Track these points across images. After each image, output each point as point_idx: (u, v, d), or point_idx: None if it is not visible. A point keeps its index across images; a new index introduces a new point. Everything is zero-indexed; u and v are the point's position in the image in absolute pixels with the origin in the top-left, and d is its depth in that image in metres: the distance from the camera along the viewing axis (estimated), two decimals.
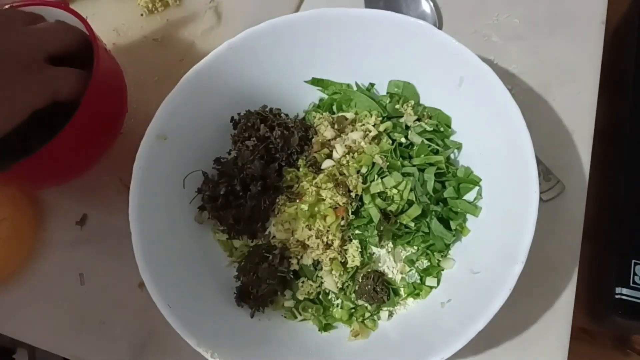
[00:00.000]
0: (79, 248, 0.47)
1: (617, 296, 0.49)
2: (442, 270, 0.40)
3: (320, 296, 0.40)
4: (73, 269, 0.47)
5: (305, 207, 0.38)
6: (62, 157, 0.40)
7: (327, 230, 0.38)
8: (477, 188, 0.40)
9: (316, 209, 0.38)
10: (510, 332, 0.41)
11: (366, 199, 0.38)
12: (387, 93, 0.44)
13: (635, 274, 0.49)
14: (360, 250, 0.39)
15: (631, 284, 0.49)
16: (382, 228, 0.38)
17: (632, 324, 0.50)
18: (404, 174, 0.39)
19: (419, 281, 0.39)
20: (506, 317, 0.40)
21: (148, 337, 0.44)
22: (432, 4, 0.49)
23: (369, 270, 0.40)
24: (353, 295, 0.40)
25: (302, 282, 0.40)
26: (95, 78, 0.38)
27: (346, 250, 0.39)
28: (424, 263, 0.40)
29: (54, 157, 0.39)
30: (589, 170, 0.45)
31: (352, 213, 0.39)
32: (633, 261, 0.49)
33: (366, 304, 0.39)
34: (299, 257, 0.40)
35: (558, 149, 0.45)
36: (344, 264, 0.39)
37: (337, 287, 0.39)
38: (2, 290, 0.47)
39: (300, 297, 0.40)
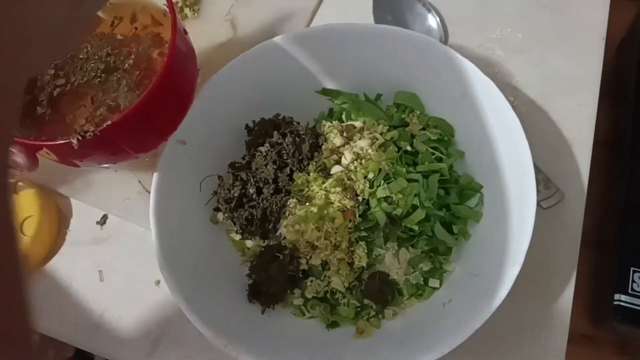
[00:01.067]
0: (99, 246, 0.50)
1: (615, 302, 0.50)
2: (445, 272, 0.41)
3: (328, 295, 0.42)
4: (93, 265, 0.49)
5: (314, 209, 0.41)
6: (149, 119, 0.38)
7: (335, 232, 0.40)
8: (478, 194, 0.42)
9: (325, 211, 0.41)
10: (509, 335, 0.43)
11: (372, 203, 0.40)
12: (394, 103, 0.46)
13: (633, 280, 0.50)
14: (366, 251, 0.41)
15: (630, 291, 0.50)
16: (387, 231, 0.40)
17: (631, 331, 0.51)
18: (409, 180, 0.41)
19: (422, 282, 0.41)
20: (505, 320, 0.42)
21: (163, 332, 0.46)
22: (438, 19, 0.51)
23: (375, 271, 0.42)
24: (359, 294, 0.42)
25: (311, 281, 0.42)
26: (173, 36, 0.37)
27: (353, 251, 0.41)
28: (427, 265, 0.42)
29: (141, 119, 0.36)
30: (588, 179, 0.47)
31: (359, 216, 0.41)
32: (632, 268, 0.50)
33: (371, 304, 0.41)
34: (308, 258, 0.42)
35: (558, 159, 0.47)
36: (350, 264, 0.41)
37: (344, 287, 0.41)
38: None
39: (309, 296, 0.42)
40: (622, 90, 0.62)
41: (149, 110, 0.37)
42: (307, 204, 0.42)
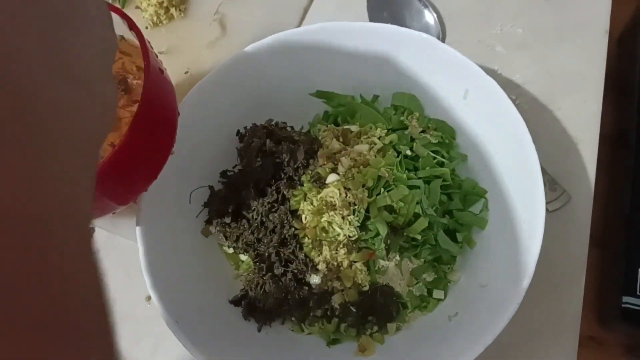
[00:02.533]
0: None
1: (623, 305, 0.49)
2: (449, 282, 0.40)
3: (329, 312, 0.40)
4: None
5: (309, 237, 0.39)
6: (123, 172, 0.34)
7: (336, 253, 0.39)
8: (483, 200, 0.40)
9: (321, 238, 0.39)
10: (518, 341, 0.41)
11: (372, 212, 0.38)
12: (392, 105, 0.44)
13: None
14: (368, 271, 0.39)
15: (638, 293, 0.49)
16: (389, 241, 0.38)
17: (639, 332, 0.50)
18: (410, 187, 0.39)
19: (426, 294, 0.39)
20: (514, 326, 0.39)
21: (156, 350, 0.44)
22: (435, 15, 0.49)
23: (377, 284, 0.40)
24: (361, 310, 0.39)
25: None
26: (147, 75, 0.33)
27: (355, 268, 0.39)
28: (430, 275, 0.40)
29: (116, 172, 0.33)
30: (595, 179, 0.45)
31: (359, 226, 0.39)
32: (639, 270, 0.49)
33: (374, 319, 0.39)
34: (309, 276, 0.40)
35: (564, 159, 0.45)
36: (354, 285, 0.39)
37: (345, 302, 0.39)
38: None
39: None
40: (624, 86, 0.61)
41: (116, 169, 0.32)
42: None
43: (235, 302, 0.40)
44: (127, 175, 0.35)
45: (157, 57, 0.37)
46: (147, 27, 0.54)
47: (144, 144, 0.34)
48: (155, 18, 0.54)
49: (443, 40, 0.49)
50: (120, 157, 0.32)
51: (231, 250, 0.42)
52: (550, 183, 0.44)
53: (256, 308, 0.39)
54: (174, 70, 0.52)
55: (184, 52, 0.53)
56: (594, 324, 0.55)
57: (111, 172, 0.32)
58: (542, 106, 0.47)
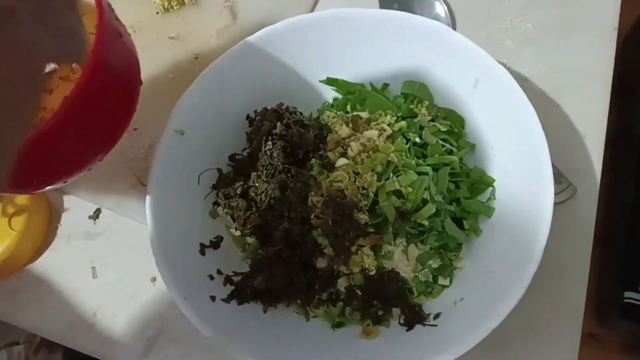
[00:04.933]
0: (92, 241, 0.48)
1: (625, 300, 0.49)
2: (455, 269, 0.40)
3: (334, 296, 0.40)
4: (86, 262, 0.47)
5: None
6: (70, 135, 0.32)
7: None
8: (490, 189, 0.40)
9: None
10: (519, 335, 0.41)
11: (381, 197, 0.39)
12: (402, 93, 0.44)
13: None
14: (374, 257, 0.40)
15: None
16: (397, 226, 0.38)
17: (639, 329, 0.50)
18: (418, 173, 0.39)
19: (431, 280, 0.40)
20: (515, 320, 0.40)
21: (160, 330, 0.44)
22: (446, 7, 0.49)
23: (384, 269, 0.40)
24: (366, 295, 0.40)
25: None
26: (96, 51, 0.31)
27: (361, 252, 0.39)
28: (436, 262, 0.40)
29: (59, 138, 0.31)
30: (600, 174, 0.46)
31: (367, 211, 0.39)
32: None
33: (379, 303, 0.39)
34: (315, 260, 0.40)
35: (570, 153, 0.46)
36: (361, 271, 0.39)
37: (351, 286, 0.39)
38: (15, 282, 0.47)
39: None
40: (630, 85, 0.61)
41: (57, 139, 0.30)
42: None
43: (237, 288, 0.40)
44: (77, 136, 0.33)
45: (117, 19, 0.35)
46: (157, 12, 0.55)
47: (91, 108, 0.32)
48: (166, 3, 0.54)
49: None
50: (63, 119, 0.30)
51: (238, 233, 0.42)
52: (556, 176, 0.44)
53: (262, 290, 0.39)
54: (184, 55, 0.53)
55: (194, 39, 0.54)
56: (592, 321, 0.55)
57: (52, 137, 0.30)
58: (549, 101, 0.48)
